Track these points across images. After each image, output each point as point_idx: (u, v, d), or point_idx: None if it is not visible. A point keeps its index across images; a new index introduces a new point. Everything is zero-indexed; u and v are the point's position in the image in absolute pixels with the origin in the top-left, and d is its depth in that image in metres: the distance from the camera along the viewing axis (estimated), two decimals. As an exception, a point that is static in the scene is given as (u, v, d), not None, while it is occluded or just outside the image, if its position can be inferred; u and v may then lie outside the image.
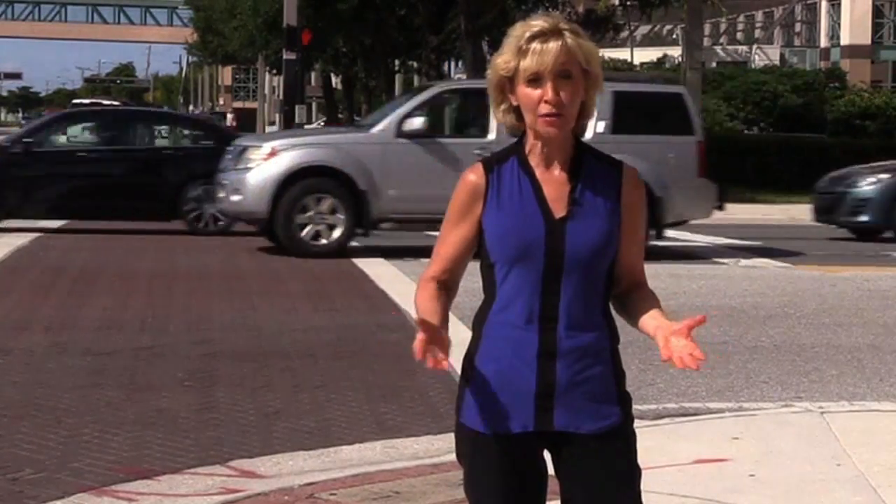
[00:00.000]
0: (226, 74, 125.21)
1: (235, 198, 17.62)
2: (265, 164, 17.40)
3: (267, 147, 17.76)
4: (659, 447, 7.03)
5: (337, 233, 17.42)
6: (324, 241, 17.39)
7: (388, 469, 6.91)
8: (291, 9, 33.53)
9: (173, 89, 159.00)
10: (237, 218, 18.86)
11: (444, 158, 17.48)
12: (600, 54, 3.54)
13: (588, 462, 3.41)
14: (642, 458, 3.49)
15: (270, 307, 12.59)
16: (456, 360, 3.38)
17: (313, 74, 74.36)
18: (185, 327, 11.32)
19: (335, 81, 72.04)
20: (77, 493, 6.43)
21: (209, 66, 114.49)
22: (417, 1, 40.27)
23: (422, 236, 18.91)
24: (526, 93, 3.35)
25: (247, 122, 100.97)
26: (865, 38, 66.31)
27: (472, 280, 3.71)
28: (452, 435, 3.55)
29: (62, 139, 21.81)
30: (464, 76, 43.56)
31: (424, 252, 16.91)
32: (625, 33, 54.37)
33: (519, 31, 3.37)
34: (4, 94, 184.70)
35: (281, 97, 53.90)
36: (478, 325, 3.45)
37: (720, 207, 22.23)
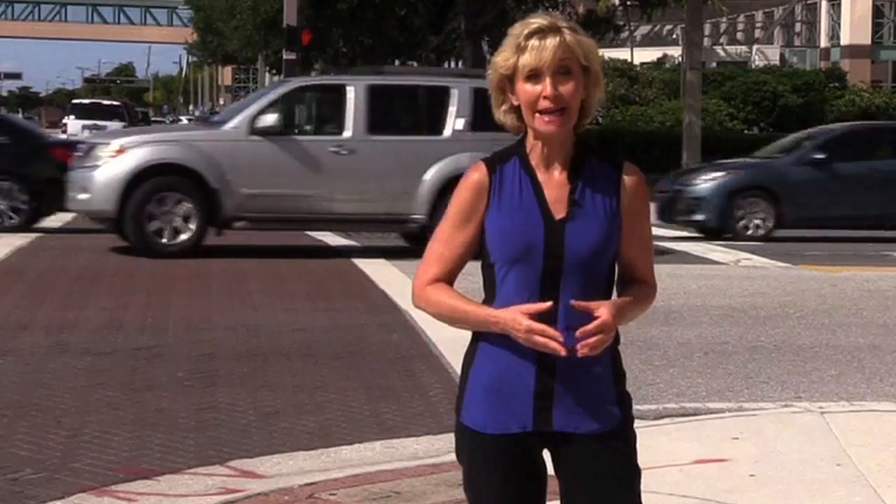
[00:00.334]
0: (226, 74, 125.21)
1: (83, 196, 17.20)
2: (113, 161, 16.98)
3: (115, 144, 17.33)
4: (659, 447, 7.03)
5: (188, 232, 17.04)
6: (175, 241, 16.99)
7: (388, 469, 6.90)
8: (291, 9, 33.53)
9: (173, 89, 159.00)
10: (88, 217, 18.27)
11: (298, 156, 17.28)
12: (600, 54, 3.54)
13: (587, 462, 3.41)
14: (642, 458, 3.49)
15: (270, 307, 12.59)
16: (456, 361, 3.37)
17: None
18: (185, 327, 11.32)
19: (335, 81, 71.96)
20: (77, 493, 6.43)
21: (209, 66, 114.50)
22: (417, 1, 40.29)
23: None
24: (525, 89, 3.35)
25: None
26: (865, 38, 66.34)
27: (472, 280, 3.71)
28: (452, 435, 3.56)
29: None
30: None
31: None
32: (625, 33, 54.38)
33: (517, 30, 3.37)
34: (4, 94, 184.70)
35: (281, 97, 53.84)
36: (478, 325, 3.45)
37: None
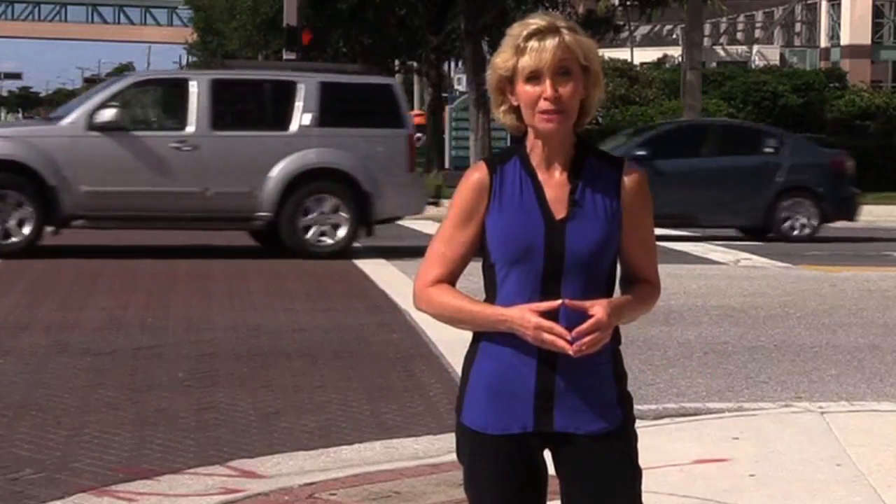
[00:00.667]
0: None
1: None
2: None
3: None
4: (659, 447, 7.03)
5: (26, 231, 16.69)
6: (12, 240, 16.66)
7: (388, 469, 6.90)
8: (291, 9, 33.53)
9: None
10: None
11: (139, 153, 16.95)
12: (600, 54, 3.53)
13: (588, 463, 3.41)
14: (642, 458, 3.49)
15: (270, 307, 12.59)
16: (456, 361, 3.37)
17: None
18: (185, 327, 11.32)
19: (335, 81, 71.95)
20: (77, 493, 6.43)
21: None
22: (417, 1, 40.27)
23: (422, 237, 18.89)
24: (525, 90, 3.34)
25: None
26: (865, 38, 66.32)
27: (472, 280, 3.71)
28: (452, 435, 3.56)
29: None
30: (463, 76, 43.60)
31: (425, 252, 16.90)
32: (625, 33, 54.36)
33: (516, 31, 3.37)
34: (4, 94, 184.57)
35: (281, 97, 53.84)
36: (478, 325, 3.45)
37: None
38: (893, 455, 7.16)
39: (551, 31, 3.34)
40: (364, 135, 17.52)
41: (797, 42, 73.40)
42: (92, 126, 16.93)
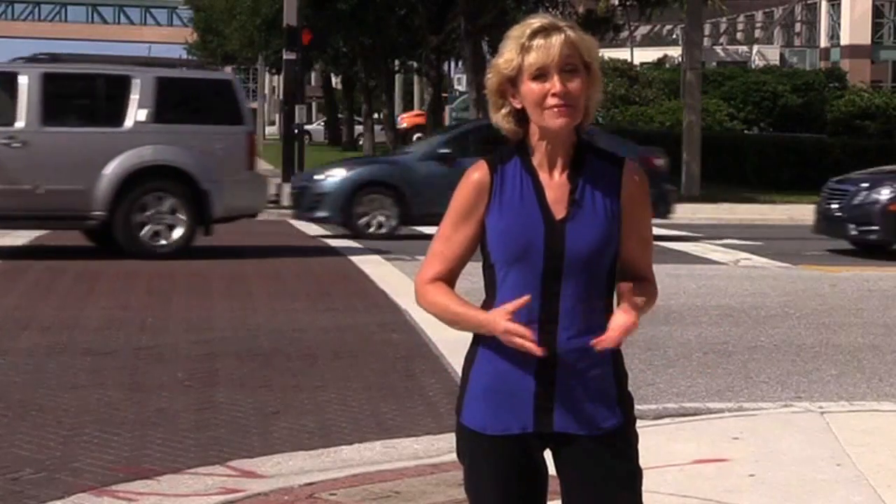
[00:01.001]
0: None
1: None
2: None
3: None
4: (659, 447, 7.03)
5: None
6: None
7: (388, 469, 6.90)
8: (291, 9, 33.52)
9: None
10: None
11: None
12: (600, 54, 3.54)
13: (588, 463, 3.40)
14: (642, 458, 3.49)
15: (270, 307, 12.59)
16: (456, 361, 3.37)
17: (313, 74, 74.40)
18: (185, 327, 11.32)
19: (335, 81, 72.05)
20: (77, 493, 6.43)
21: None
22: (417, 1, 40.27)
23: (422, 236, 18.88)
24: (531, 88, 3.34)
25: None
26: (865, 38, 66.33)
27: (472, 280, 3.71)
28: (452, 435, 3.56)
29: None
30: (463, 76, 43.58)
31: (424, 251, 16.90)
32: (625, 33, 54.36)
33: (518, 31, 3.37)
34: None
35: (281, 97, 53.90)
36: (478, 325, 3.45)
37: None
38: (893, 455, 7.16)
39: (555, 28, 3.34)
40: (202, 131, 17.04)
41: (797, 42, 73.41)
42: None
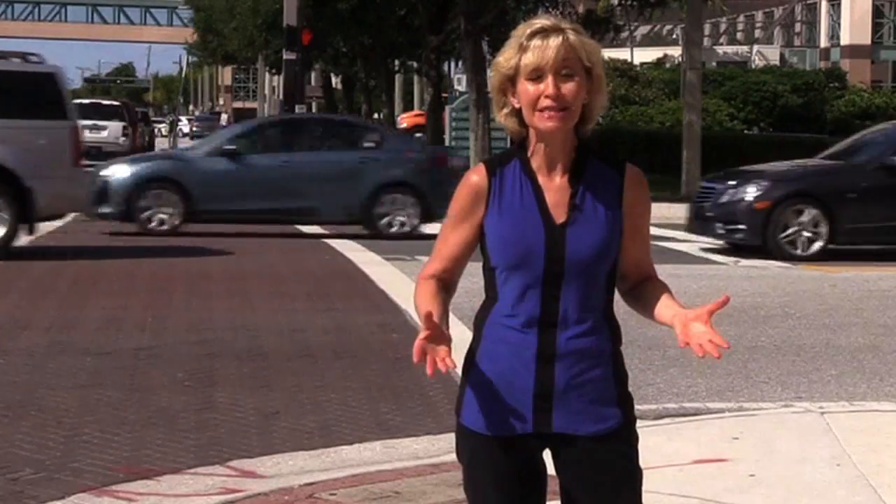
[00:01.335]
0: (226, 74, 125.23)
1: None
2: None
3: None
4: (659, 447, 7.03)
5: None
6: None
7: (388, 469, 6.90)
8: (291, 9, 33.53)
9: (173, 89, 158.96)
10: None
11: None
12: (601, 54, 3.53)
13: (587, 464, 3.40)
14: (642, 458, 3.49)
15: (270, 307, 12.58)
16: (456, 361, 3.37)
17: (313, 74, 74.38)
18: (185, 327, 11.32)
19: (335, 81, 72.05)
20: (77, 493, 6.43)
21: (209, 66, 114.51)
22: (417, 1, 40.26)
23: (422, 237, 18.88)
24: (526, 89, 3.34)
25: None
26: (865, 38, 66.35)
27: (472, 280, 3.71)
28: (452, 435, 3.56)
29: None
30: (463, 76, 43.57)
31: (424, 251, 16.90)
32: (625, 33, 54.38)
33: (520, 30, 3.37)
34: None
35: (281, 97, 53.90)
36: (478, 325, 3.45)
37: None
38: (893, 455, 7.16)
39: (555, 30, 3.34)
40: (24, 126, 16.29)
41: (797, 42, 73.43)
42: None
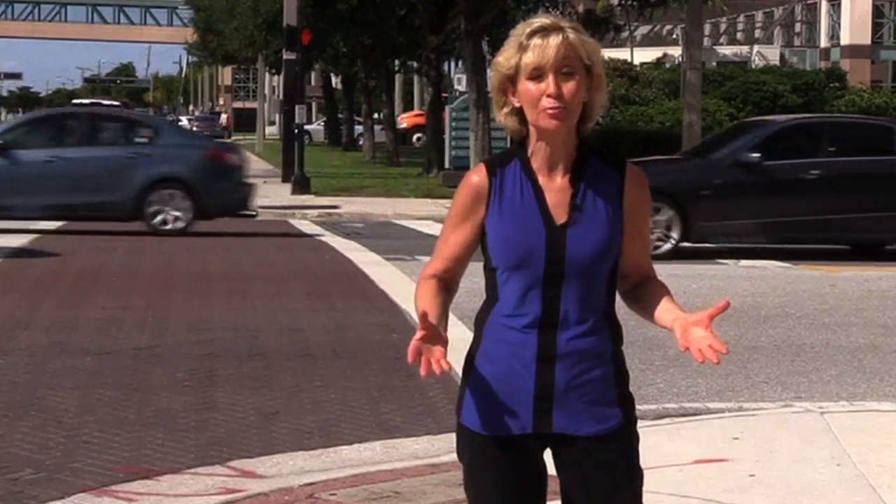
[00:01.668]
0: (226, 74, 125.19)
1: None
2: None
3: None
4: (659, 447, 7.03)
5: None
6: None
7: (388, 469, 6.90)
8: (291, 9, 33.52)
9: (173, 89, 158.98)
10: None
11: None
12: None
13: (588, 464, 3.40)
14: (642, 458, 3.49)
15: (270, 307, 12.58)
16: (456, 361, 3.37)
17: (313, 74, 74.39)
18: (185, 327, 11.32)
19: (335, 81, 72.04)
20: (77, 493, 6.43)
21: (209, 66, 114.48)
22: (417, 1, 40.26)
23: (422, 237, 18.87)
24: (527, 88, 3.33)
25: (246, 122, 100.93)
26: (865, 38, 66.33)
27: (472, 280, 3.71)
28: (452, 435, 3.56)
29: None
30: (463, 76, 43.56)
31: (424, 251, 16.90)
32: (625, 33, 54.37)
33: (520, 30, 3.36)
34: (4, 94, 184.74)
35: (281, 97, 53.88)
36: (479, 325, 3.45)
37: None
38: (893, 455, 7.15)
39: (555, 29, 3.34)
40: None
41: (797, 42, 73.40)
42: None
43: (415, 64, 55.24)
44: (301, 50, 33.92)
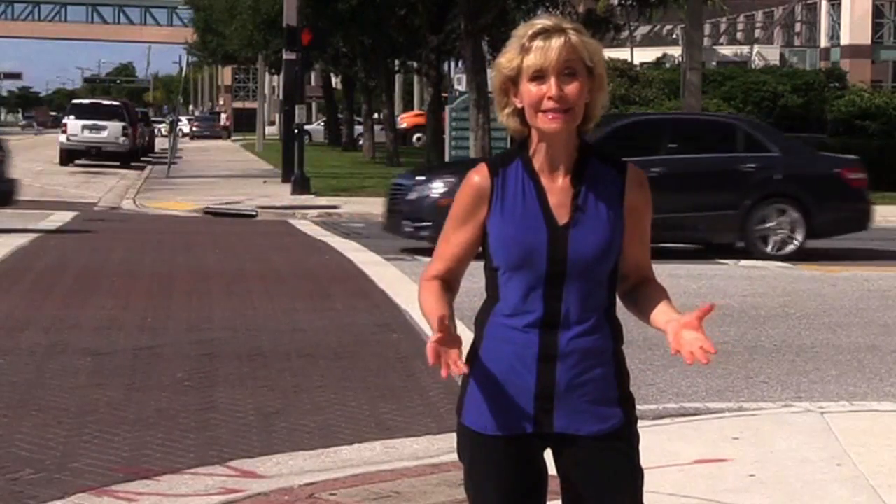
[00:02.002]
0: (226, 74, 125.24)
1: None
2: None
3: None
4: (659, 447, 7.03)
5: None
6: None
7: (388, 469, 6.90)
8: (291, 9, 33.52)
9: (173, 89, 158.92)
10: None
11: None
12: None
13: (588, 463, 3.40)
14: (642, 458, 3.49)
15: (270, 307, 12.58)
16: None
17: (313, 74, 74.41)
18: (185, 327, 11.32)
19: (335, 81, 72.05)
20: (77, 493, 6.43)
21: (209, 66, 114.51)
22: (417, 1, 40.26)
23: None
24: (529, 90, 3.33)
25: (246, 122, 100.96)
26: (865, 38, 66.37)
27: (472, 280, 3.71)
28: (452, 435, 3.56)
29: None
30: (463, 76, 43.55)
31: (423, 252, 16.90)
32: (625, 33, 54.37)
33: (522, 31, 3.36)
34: (4, 94, 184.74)
35: (281, 97, 53.88)
36: (480, 325, 3.45)
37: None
38: (893, 455, 7.16)
39: (557, 31, 3.33)
40: None
41: (797, 42, 73.44)
42: None
43: (415, 64, 55.26)
44: (301, 50, 33.91)
